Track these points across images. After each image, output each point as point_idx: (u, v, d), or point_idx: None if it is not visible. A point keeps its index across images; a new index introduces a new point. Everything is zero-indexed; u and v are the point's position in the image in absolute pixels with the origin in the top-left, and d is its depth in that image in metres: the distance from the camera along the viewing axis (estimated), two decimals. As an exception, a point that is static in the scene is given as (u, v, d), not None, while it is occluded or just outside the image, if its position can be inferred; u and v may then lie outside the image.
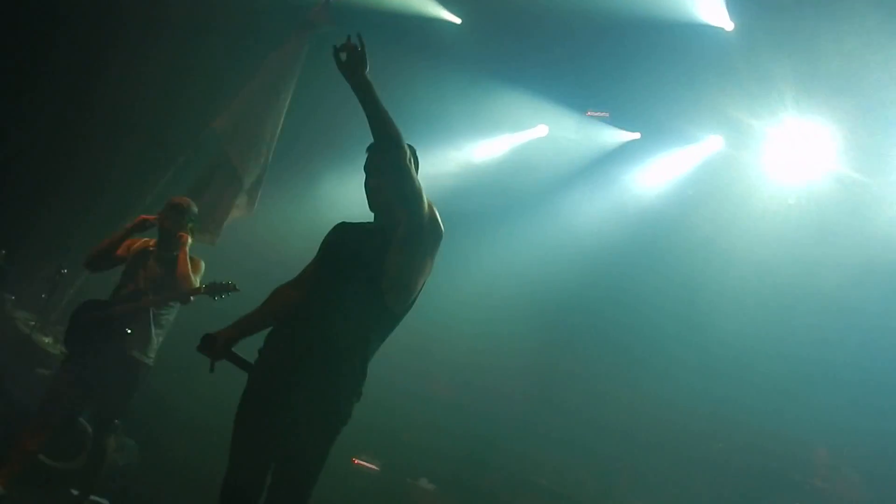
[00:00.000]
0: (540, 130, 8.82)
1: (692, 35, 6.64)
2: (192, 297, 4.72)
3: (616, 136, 8.46)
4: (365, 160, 3.17)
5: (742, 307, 7.41)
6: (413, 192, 2.92)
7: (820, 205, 7.16)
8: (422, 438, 7.89)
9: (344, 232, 3.21)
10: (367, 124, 2.85)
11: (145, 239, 4.96)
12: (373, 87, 2.81)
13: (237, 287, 4.62)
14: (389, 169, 2.91)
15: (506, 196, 8.67)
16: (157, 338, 4.72)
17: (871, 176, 6.90)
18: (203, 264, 4.92)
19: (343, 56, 2.84)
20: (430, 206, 3.02)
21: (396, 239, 3.00)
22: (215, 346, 3.05)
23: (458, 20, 7.59)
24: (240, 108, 6.24)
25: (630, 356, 8.00)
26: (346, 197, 2.94)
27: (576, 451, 7.96)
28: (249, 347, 3.10)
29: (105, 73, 7.18)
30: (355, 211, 3.40)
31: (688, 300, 7.65)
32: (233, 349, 3.10)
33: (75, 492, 5.08)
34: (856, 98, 6.40)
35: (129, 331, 4.54)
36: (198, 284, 4.72)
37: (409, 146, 3.02)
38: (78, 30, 6.97)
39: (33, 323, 5.81)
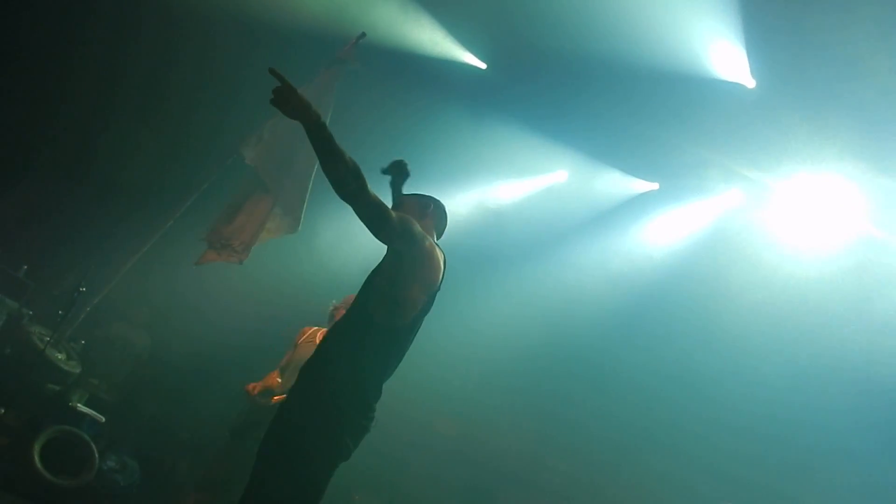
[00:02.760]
0: (559, 176, 8.89)
1: (714, 90, 6.69)
2: None
3: (635, 185, 8.50)
4: None
5: (753, 371, 7.37)
6: (370, 219, 2.91)
7: (841, 266, 7.09)
8: (422, 478, 7.85)
9: None
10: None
11: (317, 328, 5.08)
12: (322, 122, 2.75)
13: None
14: (351, 206, 2.92)
15: (523, 240, 8.71)
16: None
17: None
18: None
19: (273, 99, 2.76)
20: (403, 227, 3.01)
21: (383, 259, 3.18)
22: None
23: (483, 65, 7.72)
24: (272, 136, 6.29)
25: (636, 411, 7.97)
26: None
27: (576, 498, 7.90)
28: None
29: (135, 93, 7.36)
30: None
31: (697, 357, 7.64)
32: None
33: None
34: (879, 159, 6.41)
35: None
36: None
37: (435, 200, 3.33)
38: (111, 48, 7.17)
39: (48, 339, 5.87)
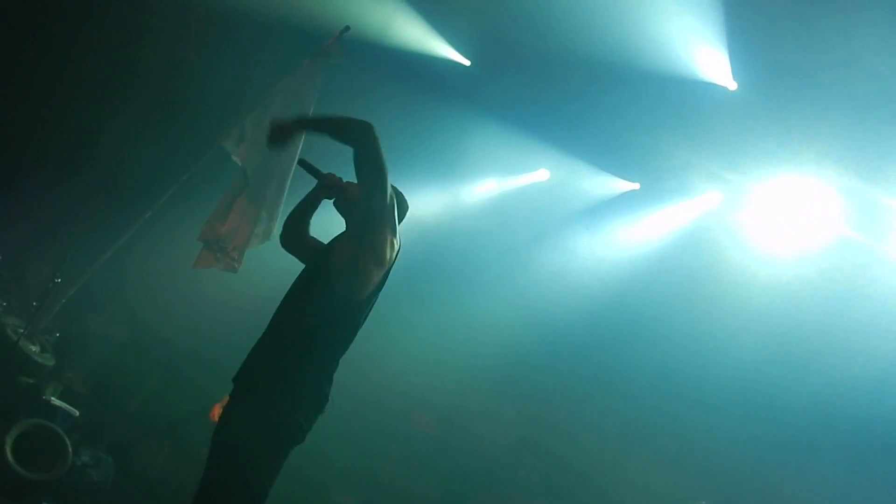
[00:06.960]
0: (541, 174, 8.91)
1: (696, 91, 6.71)
2: None
3: (616, 185, 8.53)
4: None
5: (730, 369, 7.42)
6: (379, 169, 3.03)
7: (819, 268, 7.15)
8: (400, 476, 7.84)
9: None
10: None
11: None
12: (315, 119, 3.01)
13: None
14: (357, 151, 3.02)
15: (505, 237, 8.72)
16: None
17: (875, 239, 6.92)
18: None
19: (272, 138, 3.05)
20: (391, 197, 3.10)
21: (350, 226, 3.25)
22: None
23: (467, 62, 7.70)
24: (256, 134, 6.13)
25: (614, 407, 8.02)
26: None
27: (554, 496, 7.93)
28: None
29: (117, 74, 7.25)
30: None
31: (675, 356, 7.70)
32: None
33: (47, 504, 5.03)
34: (859, 162, 6.46)
35: None
36: None
37: (394, 188, 3.26)
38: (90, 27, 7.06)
39: (22, 330, 5.79)
